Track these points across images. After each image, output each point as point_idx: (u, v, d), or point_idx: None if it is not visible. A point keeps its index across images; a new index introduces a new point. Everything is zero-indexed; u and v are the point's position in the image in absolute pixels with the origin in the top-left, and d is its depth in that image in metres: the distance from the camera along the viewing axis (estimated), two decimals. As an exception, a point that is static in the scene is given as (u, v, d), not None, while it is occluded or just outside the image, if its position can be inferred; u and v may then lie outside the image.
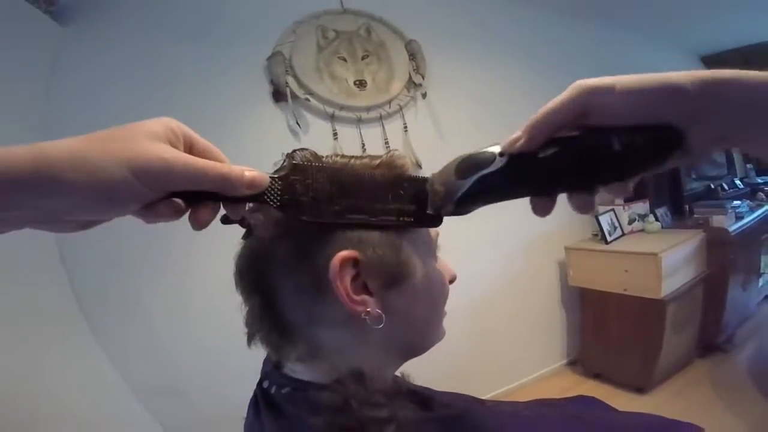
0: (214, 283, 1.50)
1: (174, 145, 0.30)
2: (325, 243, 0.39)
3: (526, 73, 2.42)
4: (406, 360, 0.49)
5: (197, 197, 0.32)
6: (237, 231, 0.43)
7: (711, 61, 3.82)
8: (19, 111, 1.34)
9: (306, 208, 0.36)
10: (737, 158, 3.46)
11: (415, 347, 0.48)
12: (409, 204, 0.40)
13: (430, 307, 0.47)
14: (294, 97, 1.77)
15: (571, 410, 0.68)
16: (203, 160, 0.30)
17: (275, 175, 0.36)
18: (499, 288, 2.25)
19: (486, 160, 0.36)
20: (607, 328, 2.26)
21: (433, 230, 0.47)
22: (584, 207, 0.35)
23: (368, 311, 0.39)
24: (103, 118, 1.47)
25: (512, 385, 2.28)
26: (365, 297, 0.40)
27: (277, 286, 0.42)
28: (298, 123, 1.78)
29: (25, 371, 1.12)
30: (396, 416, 0.38)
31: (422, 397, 0.46)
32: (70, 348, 1.35)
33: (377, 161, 0.45)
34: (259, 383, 0.48)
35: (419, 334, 0.47)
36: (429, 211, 0.39)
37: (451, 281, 0.51)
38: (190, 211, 0.32)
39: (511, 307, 2.30)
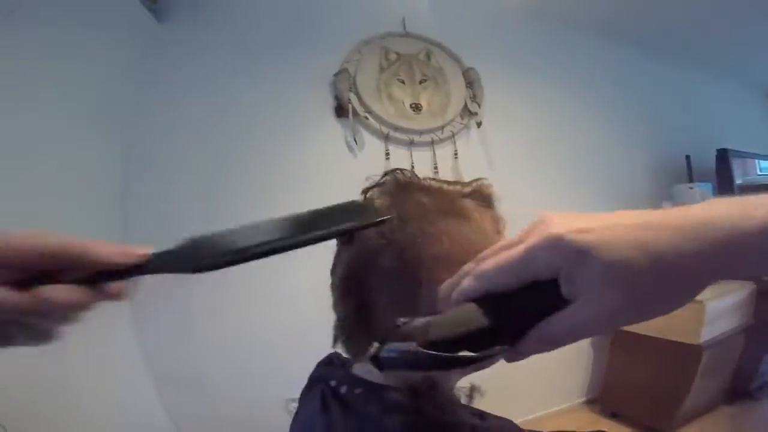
0: (256, 285, 1.62)
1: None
2: (422, 259, 0.42)
3: (586, 111, 2.41)
4: (469, 374, 0.50)
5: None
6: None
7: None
8: (106, 96, 1.47)
9: None
10: None
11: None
12: None
13: None
14: (355, 114, 1.85)
15: None
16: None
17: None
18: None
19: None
20: (635, 368, 2.22)
21: None
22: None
23: None
24: (178, 117, 1.64)
25: (526, 417, 2.27)
26: None
27: (373, 293, 0.44)
28: (355, 139, 1.87)
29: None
30: (466, 422, 0.42)
31: (475, 409, 0.49)
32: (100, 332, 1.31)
33: (468, 189, 0.48)
34: (325, 381, 0.50)
35: None
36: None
37: None
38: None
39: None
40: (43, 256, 0.26)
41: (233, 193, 1.69)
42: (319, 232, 0.33)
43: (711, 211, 0.25)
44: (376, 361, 0.31)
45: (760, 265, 0.25)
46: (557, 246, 0.26)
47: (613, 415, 2.31)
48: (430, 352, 0.28)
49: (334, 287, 0.48)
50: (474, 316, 0.30)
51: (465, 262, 0.34)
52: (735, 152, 2.58)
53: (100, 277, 0.27)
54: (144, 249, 0.28)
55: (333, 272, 0.49)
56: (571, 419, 2.33)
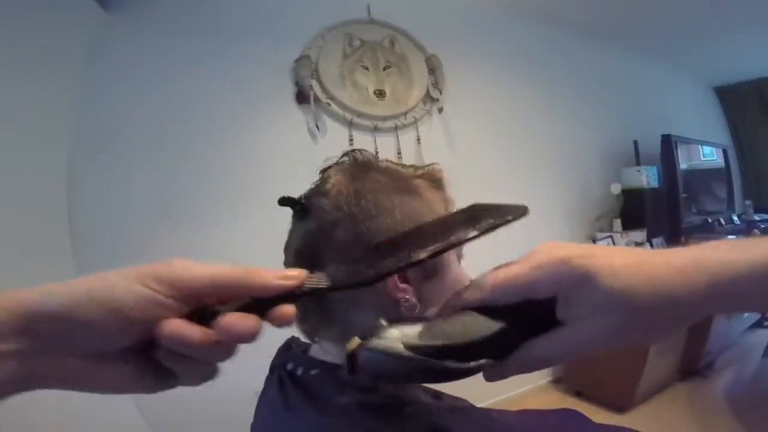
0: None
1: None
2: (381, 235, 0.42)
3: (544, 94, 2.50)
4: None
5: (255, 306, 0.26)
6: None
7: (726, 92, 3.87)
8: (53, 91, 1.40)
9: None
10: (737, 194, 3.52)
11: None
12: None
13: None
14: (316, 100, 1.85)
15: (555, 420, 0.72)
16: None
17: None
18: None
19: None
20: (595, 348, 2.34)
21: None
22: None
23: (407, 298, 0.43)
24: (132, 107, 1.57)
25: (495, 399, 2.35)
26: (406, 286, 0.44)
27: (327, 265, 0.44)
28: (317, 126, 1.86)
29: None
30: (420, 398, 0.43)
31: (429, 389, 0.50)
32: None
33: (420, 171, 0.51)
34: (282, 365, 0.50)
35: None
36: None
37: None
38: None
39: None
40: (215, 286, 0.25)
41: (195, 184, 1.66)
42: (489, 222, 0.31)
43: (706, 252, 0.27)
44: (353, 360, 0.28)
45: (747, 304, 0.27)
46: (563, 268, 0.27)
47: (578, 394, 2.43)
48: (418, 357, 0.27)
49: (288, 264, 0.48)
50: (469, 327, 0.29)
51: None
52: (678, 138, 2.73)
53: (258, 304, 0.25)
54: (299, 271, 0.28)
55: (287, 248, 0.49)
56: (538, 399, 2.44)
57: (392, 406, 0.41)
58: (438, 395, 0.50)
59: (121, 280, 0.24)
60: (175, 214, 1.62)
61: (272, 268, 0.27)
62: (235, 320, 0.24)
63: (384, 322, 0.30)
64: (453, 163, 2.11)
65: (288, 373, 0.49)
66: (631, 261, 0.27)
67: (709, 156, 3.23)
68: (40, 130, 1.36)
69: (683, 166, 2.78)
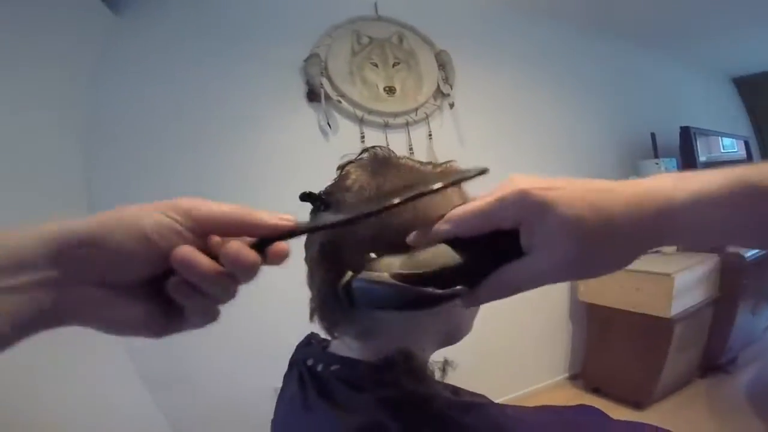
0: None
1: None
2: (397, 226, 0.41)
3: (556, 90, 2.46)
4: (442, 347, 0.53)
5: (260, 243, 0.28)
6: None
7: (743, 83, 3.78)
8: (63, 93, 1.42)
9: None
10: None
11: (454, 337, 0.52)
12: None
13: None
14: (327, 98, 1.85)
15: (572, 417, 0.73)
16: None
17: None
18: (507, 300, 2.29)
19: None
20: (612, 344, 2.29)
21: None
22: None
23: None
24: (143, 110, 1.59)
25: (512, 395, 2.33)
26: None
27: (348, 258, 0.43)
28: (329, 123, 1.87)
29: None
30: (440, 394, 0.43)
31: (449, 385, 0.50)
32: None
33: (439, 168, 0.50)
34: (302, 361, 0.51)
35: (461, 324, 0.52)
36: None
37: None
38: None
39: (518, 317, 2.35)
40: (226, 221, 0.27)
41: (206, 183, 1.67)
42: (436, 185, 0.33)
43: (657, 183, 0.29)
44: (348, 290, 0.33)
45: (693, 236, 0.29)
46: (523, 199, 0.29)
47: (595, 390, 2.38)
48: (400, 283, 0.30)
49: (310, 258, 0.48)
50: (443, 256, 0.32)
51: None
52: (697, 130, 2.67)
53: (258, 245, 0.28)
54: (290, 216, 0.29)
55: (309, 245, 0.49)
56: (555, 395, 2.40)
57: (411, 402, 0.40)
58: (456, 391, 0.50)
59: (145, 210, 0.26)
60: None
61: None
62: (238, 246, 0.26)
63: (373, 255, 0.34)
64: (464, 158, 2.11)
65: (308, 369, 0.49)
66: (585, 193, 0.28)
67: (730, 148, 3.15)
68: (55, 127, 1.40)
69: (702, 158, 2.71)
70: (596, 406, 0.84)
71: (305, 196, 0.45)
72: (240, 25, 1.77)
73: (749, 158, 3.24)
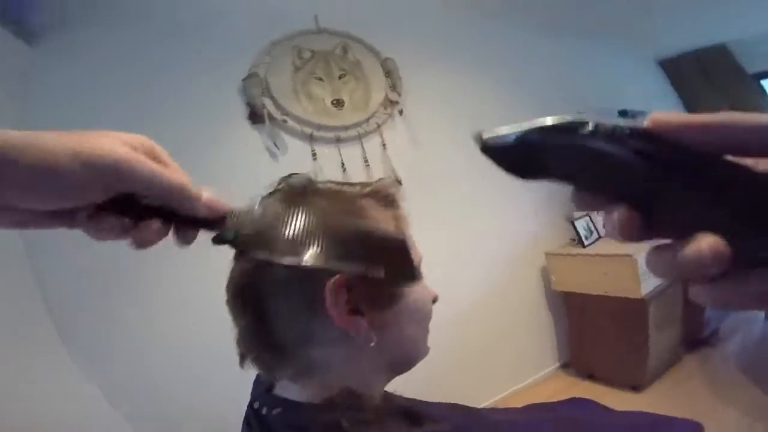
0: (192, 298, 1.51)
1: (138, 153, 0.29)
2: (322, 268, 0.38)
3: (500, 88, 2.47)
4: (394, 376, 0.51)
5: (147, 212, 0.30)
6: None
7: (669, 65, 4.01)
8: None
9: (261, 245, 0.34)
10: None
11: (403, 364, 0.50)
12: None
13: (417, 326, 0.49)
14: (271, 118, 1.75)
15: (565, 413, 0.71)
16: (159, 166, 0.29)
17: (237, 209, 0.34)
18: (483, 297, 2.26)
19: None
20: (594, 330, 2.29)
21: (417, 255, 0.49)
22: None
23: (360, 331, 0.41)
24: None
25: (506, 392, 2.29)
26: (358, 318, 0.41)
27: (269, 306, 0.42)
28: (276, 144, 1.76)
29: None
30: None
31: (413, 413, 0.47)
32: (47, 369, 1.32)
33: (367, 189, 0.47)
34: (250, 404, 0.49)
35: (407, 351, 0.50)
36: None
37: (434, 301, 0.53)
38: (137, 227, 0.30)
39: (496, 315, 2.32)
40: (141, 185, 0.29)
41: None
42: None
43: None
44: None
45: None
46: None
47: (590, 377, 2.37)
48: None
49: (230, 303, 0.45)
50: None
51: None
52: (633, 112, 2.86)
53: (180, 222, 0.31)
54: (226, 209, 0.33)
55: (228, 287, 0.46)
56: (550, 387, 2.37)
57: None
58: (419, 421, 0.46)
59: (64, 155, 0.26)
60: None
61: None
62: (149, 231, 0.30)
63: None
64: (421, 162, 2.10)
65: (254, 412, 0.47)
66: None
67: None
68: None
69: None
70: (592, 396, 0.81)
71: (218, 240, 0.37)
72: (171, 47, 1.66)
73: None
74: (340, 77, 1.88)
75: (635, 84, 3.60)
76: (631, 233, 0.20)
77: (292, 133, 1.81)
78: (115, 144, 0.27)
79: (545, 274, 2.48)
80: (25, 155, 0.24)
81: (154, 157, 0.31)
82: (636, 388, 2.12)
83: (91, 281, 1.46)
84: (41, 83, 1.45)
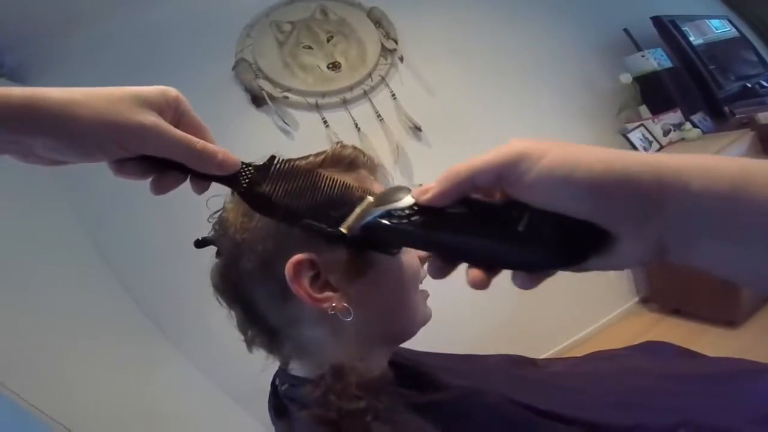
0: None
1: (163, 114, 0.32)
2: (281, 252, 0.41)
3: (513, 11, 2.22)
4: (391, 347, 0.51)
5: (167, 164, 0.33)
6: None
7: None
8: None
9: (265, 202, 0.37)
10: (766, 54, 3.15)
11: (395, 333, 0.49)
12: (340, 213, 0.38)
13: (402, 291, 0.47)
14: (272, 98, 1.72)
15: (628, 362, 0.64)
16: (181, 133, 0.32)
17: (249, 163, 0.38)
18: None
19: (400, 198, 0.34)
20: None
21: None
22: (479, 284, 0.30)
23: (334, 306, 0.41)
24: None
25: (583, 333, 2.06)
26: (328, 293, 0.42)
27: (252, 295, 0.45)
28: (285, 122, 1.72)
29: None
30: (374, 407, 0.39)
31: (425, 380, 0.47)
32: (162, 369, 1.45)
33: (321, 158, 0.46)
34: (272, 382, 0.52)
35: (394, 320, 0.48)
36: (341, 229, 0.36)
37: (423, 263, 0.50)
38: (155, 176, 0.34)
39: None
40: (163, 151, 0.32)
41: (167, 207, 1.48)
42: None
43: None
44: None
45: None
46: (505, 150, 0.28)
47: (675, 312, 2.05)
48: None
49: (218, 299, 0.48)
50: None
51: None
52: (668, 17, 2.49)
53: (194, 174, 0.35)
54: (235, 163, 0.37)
55: (212, 284, 0.49)
56: (632, 324, 2.09)
57: (339, 419, 0.39)
58: (425, 389, 0.47)
59: (97, 127, 0.29)
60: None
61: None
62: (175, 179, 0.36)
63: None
64: (436, 106, 1.95)
65: (274, 389, 0.50)
66: (568, 150, 0.26)
67: (721, 28, 2.96)
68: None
69: (699, 41, 2.53)
70: (678, 335, 0.71)
71: (199, 244, 0.47)
72: (151, 57, 1.67)
73: (741, 32, 3.02)
74: (328, 40, 1.81)
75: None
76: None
77: (297, 106, 1.76)
78: (141, 114, 0.30)
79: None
80: (63, 126, 0.28)
81: (179, 114, 0.35)
82: (732, 323, 1.79)
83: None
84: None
